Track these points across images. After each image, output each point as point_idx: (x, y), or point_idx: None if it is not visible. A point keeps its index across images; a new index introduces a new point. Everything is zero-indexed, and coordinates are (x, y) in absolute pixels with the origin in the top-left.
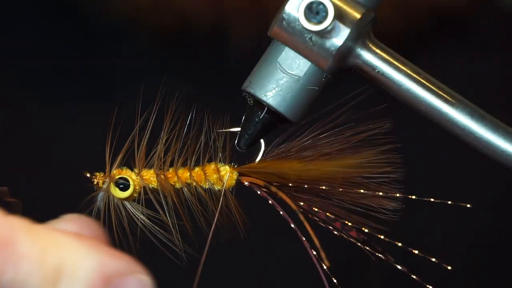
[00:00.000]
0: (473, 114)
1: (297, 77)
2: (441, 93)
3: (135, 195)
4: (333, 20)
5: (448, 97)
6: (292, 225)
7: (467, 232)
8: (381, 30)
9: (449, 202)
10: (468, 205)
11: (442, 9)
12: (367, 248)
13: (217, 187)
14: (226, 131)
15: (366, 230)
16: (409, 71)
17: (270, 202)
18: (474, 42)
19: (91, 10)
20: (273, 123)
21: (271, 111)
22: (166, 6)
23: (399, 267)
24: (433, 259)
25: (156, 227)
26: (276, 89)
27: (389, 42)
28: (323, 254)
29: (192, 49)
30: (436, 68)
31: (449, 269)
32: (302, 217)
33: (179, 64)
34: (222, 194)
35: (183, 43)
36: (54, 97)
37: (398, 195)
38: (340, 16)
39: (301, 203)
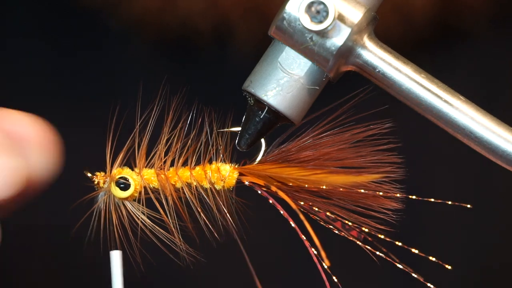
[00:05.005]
0: (473, 114)
1: (297, 77)
2: (441, 93)
3: (136, 194)
4: (333, 19)
5: (449, 97)
6: (293, 224)
7: (467, 231)
8: (383, 36)
9: (449, 203)
10: (469, 206)
11: (444, 15)
12: (368, 247)
13: (217, 187)
14: (227, 131)
15: (367, 230)
16: (410, 71)
17: (270, 201)
18: (476, 47)
19: (97, 12)
20: (274, 122)
21: (272, 110)
22: (170, 9)
23: (400, 266)
24: (433, 259)
25: (157, 227)
26: (277, 88)
27: (392, 47)
28: (323, 254)
29: (195, 50)
30: (438, 73)
31: (449, 269)
32: (302, 217)
33: (181, 65)
34: (223, 193)
35: (186, 44)
36: (55, 96)
37: (398, 195)
38: (340, 15)
39: (302, 203)
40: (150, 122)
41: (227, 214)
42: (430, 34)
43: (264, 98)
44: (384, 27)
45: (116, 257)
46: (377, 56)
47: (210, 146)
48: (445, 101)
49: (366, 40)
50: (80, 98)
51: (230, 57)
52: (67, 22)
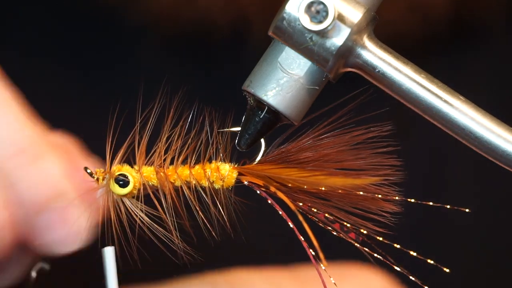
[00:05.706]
0: (473, 114)
1: (297, 77)
2: (441, 93)
3: (135, 191)
4: (333, 20)
5: (449, 97)
6: (291, 225)
7: (467, 233)
8: (398, 34)
9: (448, 206)
10: (467, 210)
11: (460, 14)
12: (366, 249)
13: (216, 186)
14: (227, 131)
15: (365, 232)
16: (409, 71)
17: (269, 201)
18: (489, 46)
19: (115, 11)
20: (274, 122)
21: (272, 110)
22: (186, 9)
23: (397, 268)
24: (431, 262)
25: (155, 225)
26: (277, 88)
27: (406, 45)
28: (321, 255)
29: (206, 49)
30: (451, 72)
31: (446, 272)
32: (301, 218)
33: (189, 64)
34: (222, 192)
35: (200, 44)
36: (56, 93)
37: (397, 198)
38: (340, 16)
39: (300, 204)
40: (150, 120)
41: (225, 214)
42: (446, 31)
43: (264, 98)
44: (401, 25)
45: (109, 253)
46: (377, 56)
47: (210, 145)
48: (445, 101)
49: (366, 40)
50: (80, 93)
51: (244, 56)
52: (76, 21)
